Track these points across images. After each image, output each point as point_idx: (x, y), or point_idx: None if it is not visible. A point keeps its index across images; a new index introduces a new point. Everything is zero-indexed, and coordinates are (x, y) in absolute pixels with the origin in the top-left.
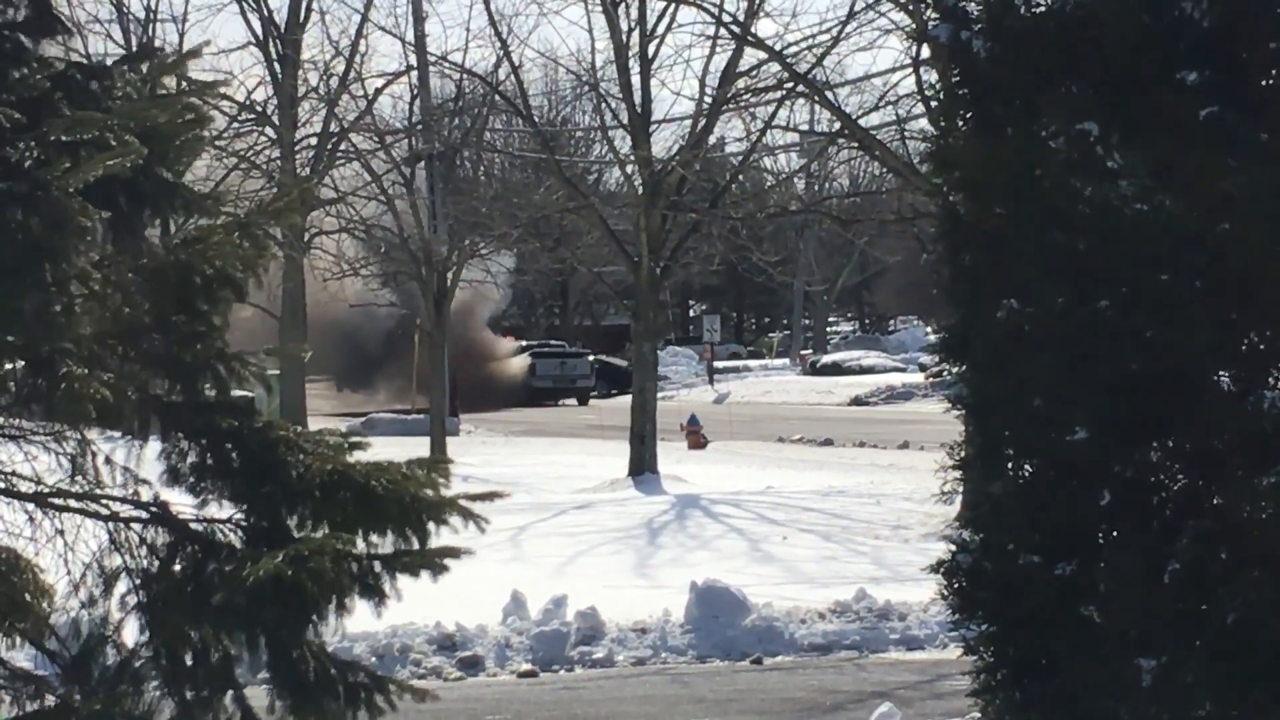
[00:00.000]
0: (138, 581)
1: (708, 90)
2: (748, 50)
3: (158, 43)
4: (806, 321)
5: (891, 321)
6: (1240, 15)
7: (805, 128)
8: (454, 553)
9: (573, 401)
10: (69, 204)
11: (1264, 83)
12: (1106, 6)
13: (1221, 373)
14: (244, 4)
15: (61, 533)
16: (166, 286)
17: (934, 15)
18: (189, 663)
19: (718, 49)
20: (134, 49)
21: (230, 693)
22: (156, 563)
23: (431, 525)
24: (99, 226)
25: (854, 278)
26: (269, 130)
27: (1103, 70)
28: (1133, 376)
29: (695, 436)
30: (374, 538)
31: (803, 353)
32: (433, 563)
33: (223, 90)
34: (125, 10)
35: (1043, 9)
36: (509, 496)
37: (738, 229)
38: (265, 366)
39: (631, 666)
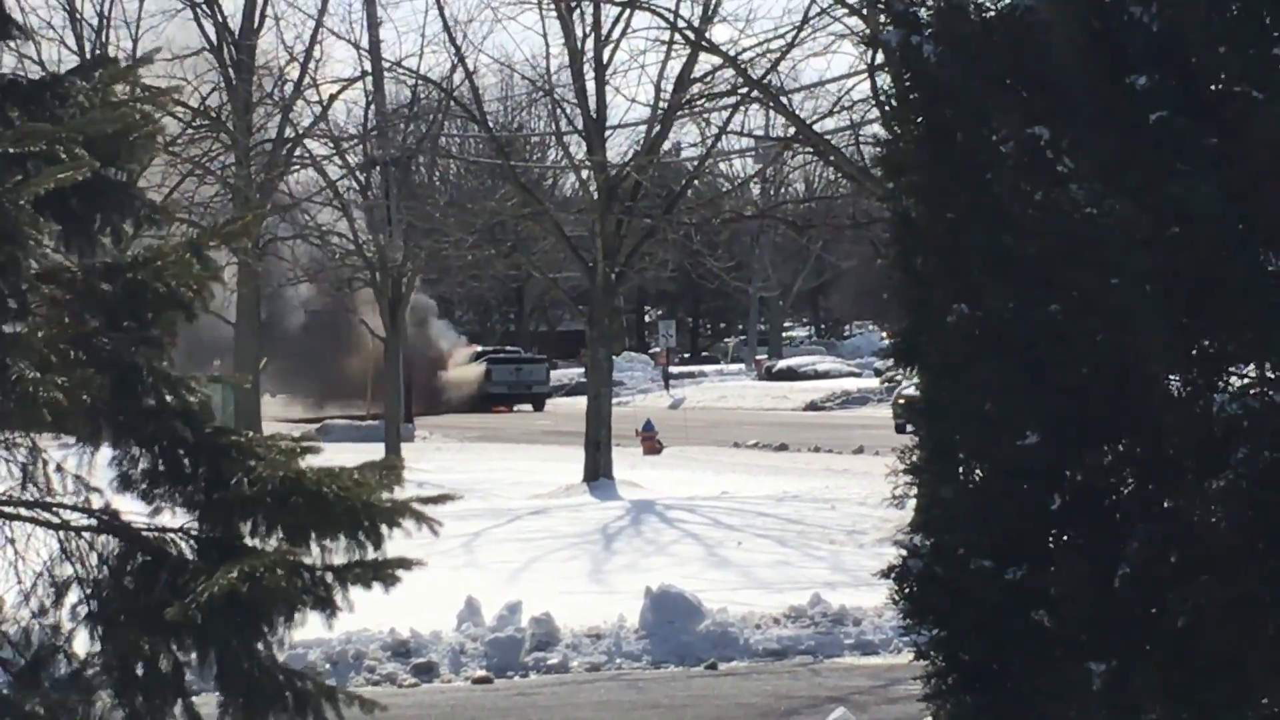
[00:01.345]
0: (89, 591)
1: (663, 96)
2: (703, 56)
3: (111, 48)
4: (762, 327)
5: (847, 326)
6: (1189, 19)
7: (760, 133)
8: (406, 564)
9: (528, 407)
10: (20, 216)
11: (1213, 87)
12: (1055, 11)
13: (1172, 377)
14: (198, 10)
15: (12, 541)
16: (117, 301)
17: (886, 20)
18: (139, 672)
19: (673, 54)
20: (87, 55)
21: (180, 701)
22: (107, 572)
23: (385, 529)
24: (49, 235)
25: (809, 283)
26: (223, 136)
27: (1052, 74)
28: (1084, 381)
29: (650, 442)
30: (327, 543)
31: (758, 358)
32: (384, 574)
33: (176, 96)
34: (78, 16)
35: (992, 14)
36: (462, 499)
37: (693, 234)
38: (209, 393)
39: (586, 672)
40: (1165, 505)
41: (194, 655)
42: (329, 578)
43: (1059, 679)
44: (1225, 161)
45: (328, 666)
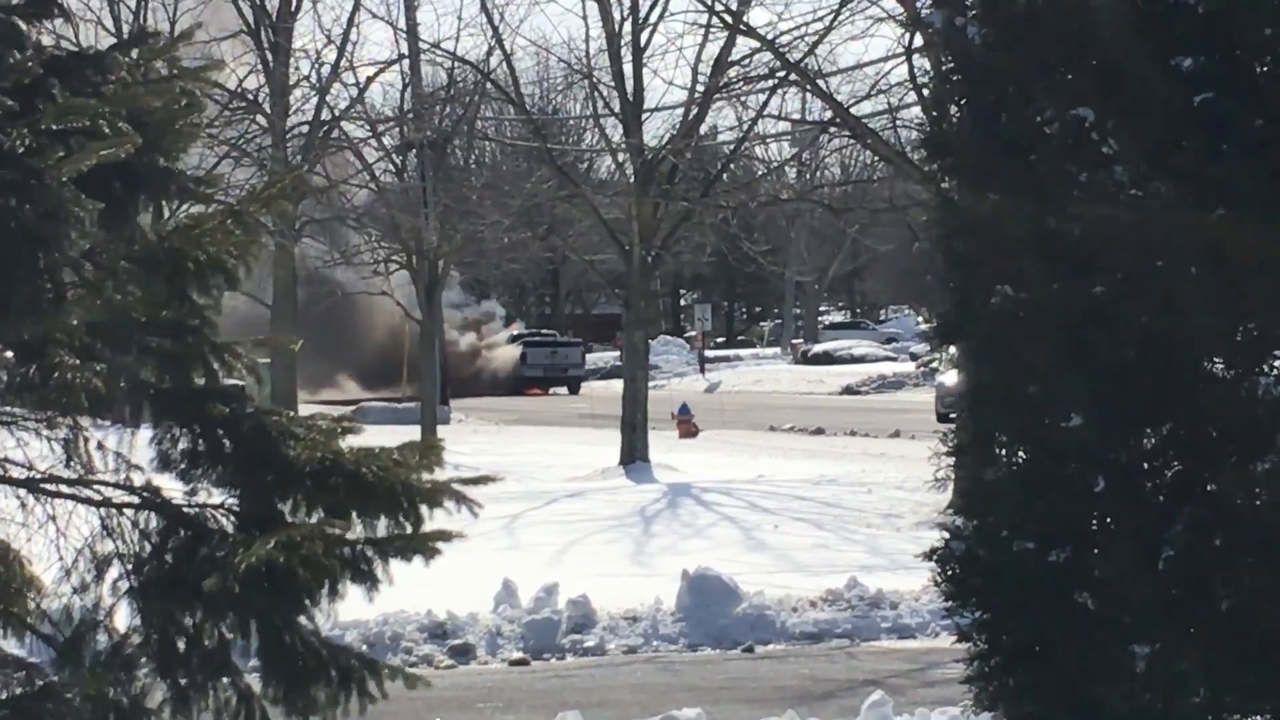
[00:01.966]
0: (129, 567)
1: (700, 79)
2: (740, 39)
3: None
4: (798, 311)
5: (883, 311)
6: (1234, 1)
7: (797, 117)
8: (446, 536)
9: (564, 390)
10: (62, 193)
11: (1258, 69)
12: None
13: (1216, 359)
14: None
15: (54, 518)
16: (158, 273)
17: (928, 3)
18: (181, 648)
19: (710, 37)
20: (125, 37)
21: (227, 679)
22: (148, 548)
23: (425, 509)
24: (92, 214)
25: (845, 267)
26: (260, 118)
27: (1098, 56)
28: (1127, 363)
29: (686, 425)
30: (367, 523)
31: (794, 342)
32: (425, 546)
33: (214, 77)
34: None
35: None
36: (501, 481)
37: (729, 218)
38: (255, 358)
39: (623, 655)
40: (1209, 488)
41: (235, 628)
42: (369, 551)
43: (1102, 661)
44: (1270, 143)
45: (365, 648)
